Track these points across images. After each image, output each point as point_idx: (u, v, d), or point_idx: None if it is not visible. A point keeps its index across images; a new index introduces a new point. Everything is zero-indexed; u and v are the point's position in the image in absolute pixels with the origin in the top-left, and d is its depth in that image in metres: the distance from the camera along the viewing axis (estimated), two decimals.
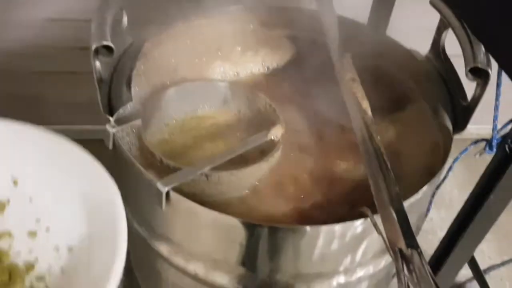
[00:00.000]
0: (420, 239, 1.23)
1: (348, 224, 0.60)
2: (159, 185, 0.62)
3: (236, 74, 0.92)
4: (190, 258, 0.71)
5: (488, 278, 1.74)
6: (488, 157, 0.87)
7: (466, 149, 0.89)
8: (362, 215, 0.62)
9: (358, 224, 0.61)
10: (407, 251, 0.56)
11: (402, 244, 0.57)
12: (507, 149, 0.92)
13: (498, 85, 0.78)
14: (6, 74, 1.36)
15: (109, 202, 0.56)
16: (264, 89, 0.86)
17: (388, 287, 0.87)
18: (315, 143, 0.79)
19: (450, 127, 0.73)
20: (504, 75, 0.71)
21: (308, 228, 0.60)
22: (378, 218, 0.60)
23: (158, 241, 0.74)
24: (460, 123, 0.72)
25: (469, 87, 0.73)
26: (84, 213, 0.57)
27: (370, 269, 0.71)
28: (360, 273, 0.70)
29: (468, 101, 0.73)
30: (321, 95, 0.83)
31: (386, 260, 0.72)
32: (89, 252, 0.53)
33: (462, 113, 0.72)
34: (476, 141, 0.85)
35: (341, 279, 0.69)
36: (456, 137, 0.73)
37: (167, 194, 0.62)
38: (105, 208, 0.56)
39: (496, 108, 0.83)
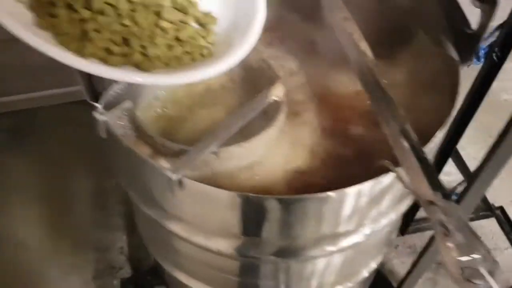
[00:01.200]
0: None
1: (373, 182, 0.58)
2: (170, 173, 0.58)
3: None
4: (210, 235, 0.68)
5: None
6: None
7: None
8: (383, 170, 0.59)
9: (384, 180, 0.59)
10: (440, 203, 0.54)
11: (432, 195, 0.55)
12: (494, 57, 0.90)
13: None
14: None
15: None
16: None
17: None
18: (318, 98, 0.75)
19: (457, 58, 0.69)
20: None
21: (333, 194, 0.57)
22: (401, 171, 0.58)
23: (171, 221, 0.70)
24: (466, 53, 0.68)
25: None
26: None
27: (392, 216, 0.70)
28: (384, 221, 0.69)
29: (473, 28, 0.68)
30: (316, 43, 0.77)
31: (406, 204, 0.71)
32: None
33: (467, 42, 0.68)
34: None
35: (367, 230, 0.68)
36: None
37: (179, 180, 0.58)
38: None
39: None
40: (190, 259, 0.81)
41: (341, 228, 0.64)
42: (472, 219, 1.76)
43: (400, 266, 1.68)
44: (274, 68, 0.72)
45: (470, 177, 0.80)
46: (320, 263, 0.73)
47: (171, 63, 0.55)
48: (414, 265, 1.03)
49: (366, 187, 0.57)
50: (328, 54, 0.77)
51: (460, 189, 1.80)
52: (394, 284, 1.49)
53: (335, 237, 0.66)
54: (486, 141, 1.99)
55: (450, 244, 0.50)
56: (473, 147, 1.96)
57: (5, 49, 1.71)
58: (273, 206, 0.58)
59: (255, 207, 0.59)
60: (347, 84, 0.75)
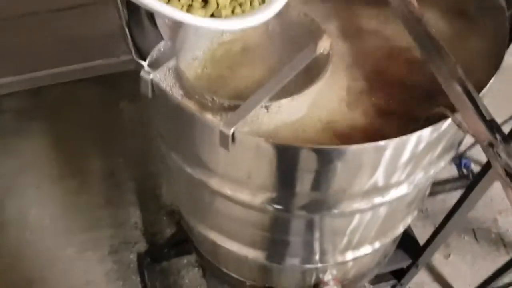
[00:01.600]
0: None
1: (432, 128, 0.57)
2: (224, 128, 0.57)
3: None
4: (257, 192, 0.68)
5: None
6: None
7: None
8: (440, 116, 0.59)
9: (442, 126, 0.58)
10: (500, 145, 0.54)
11: (490, 137, 0.55)
12: None
13: None
14: None
15: None
16: None
17: None
18: (364, 51, 0.73)
19: (503, 3, 0.68)
20: None
21: (393, 141, 0.56)
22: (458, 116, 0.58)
23: (215, 179, 0.70)
24: None
25: None
26: None
27: (441, 164, 0.70)
28: (432, 170, 0.69)
29: None
30: None
31: (452, 154, 0.72)
32: None
33: None
34: None
35: (416, 179, 0.68)
36: None
37: (233, 135, 0.58)
38: None
39: None
40: (229, 218, 0.81)
41: (395, 178, 0.64)
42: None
43: (416, 223, 1.71)
44: (318, 22, 0.71)
45: None
46: (367, 216, 0.73)
47: (236, 11, 0.61)
48: (438, 231, 1.04)
49: (426, 133, 0.57)
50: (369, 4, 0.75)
51: (469, 153, 1.82)
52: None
53: (386, 188, 0.66)
54: (489, 103, 2.01)
55: None
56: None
57: (5, 29, 1.68)
58: (331, 157, 0.58)
59: (312, 159, 0.59)
60: (391, 31, 0.74)
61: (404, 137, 0.56)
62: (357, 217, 0.73)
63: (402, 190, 0.68)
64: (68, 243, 1.65)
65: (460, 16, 0.74)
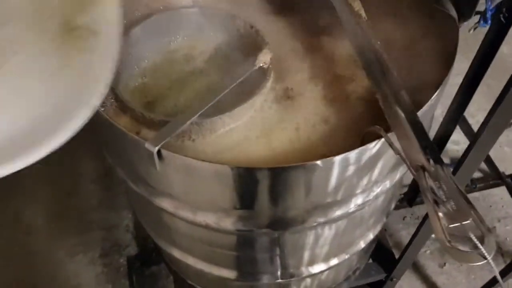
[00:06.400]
0: None
1: (360, 149, 0.55)
2: (148, 145, 0.55)
3: None
4: (197, 210, 0.66)
5: None
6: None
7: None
8: (374, 136, 0.56)
9: (372, 147, 0.55)
10: (430, 167, 0.51)
11: (423, 160, 0.52)
12: (502, 19, 0.85)
13: None
14: None
15: None
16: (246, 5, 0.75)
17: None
18: (310, 64, 0.71)
19: (455, 15, 0.65)
20: None
21: (319, 163, 0.54)
22: (393, 136, 0.55)
23: (159, 197, 0.68)
24: (466, 10, 0.64)
25: None
26: None
27: (387, 184, 0.67)
28: (377, 190, 0.66)
29: None
30: (307, 6, 0.73)
31: (401, 171, 0.68)
32: None
33: None
34: None
35: (359, 200, 0.65)
36: None
37: (159, 152, 0.56)
38: None
39: None
40: (182, 235, 0.79)
41: (330, 198, 0.61)
42: (482, 188, 1.71)
43: (408, 238, 1.66)
44: (263, 35, 0.68)
45: (473, 138, 0.76)
46: (311, 235, 0.71)
47: None
48: (415, 234, 1.01)
49: (353, 155, 0.55)
50: (322, 19, 0.73)
51: None
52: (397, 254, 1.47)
53: (326, 207, 0.63)
54: (481, 99, 1.93)
55: (439, 212, 0.47)
56: (482, 114, 1.90)
57: None
58: (258, 176, 0.55)
59: (241, 178, 0.57)
60: (337, 48, 0.71)
61: (330, 159, 0.53)
62: (303, 234, 0.70)
63: (345, 209, 0.65)
64: (59, 245, 1.66)
65: (412, 26, 0.70)
